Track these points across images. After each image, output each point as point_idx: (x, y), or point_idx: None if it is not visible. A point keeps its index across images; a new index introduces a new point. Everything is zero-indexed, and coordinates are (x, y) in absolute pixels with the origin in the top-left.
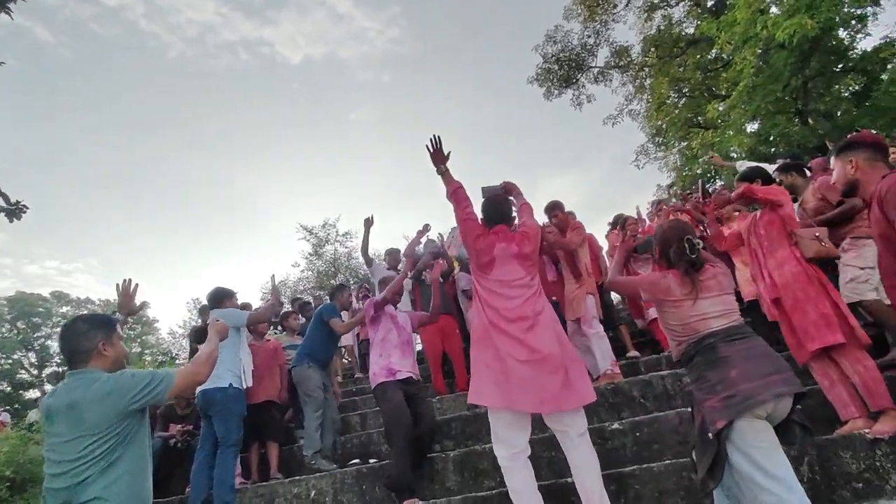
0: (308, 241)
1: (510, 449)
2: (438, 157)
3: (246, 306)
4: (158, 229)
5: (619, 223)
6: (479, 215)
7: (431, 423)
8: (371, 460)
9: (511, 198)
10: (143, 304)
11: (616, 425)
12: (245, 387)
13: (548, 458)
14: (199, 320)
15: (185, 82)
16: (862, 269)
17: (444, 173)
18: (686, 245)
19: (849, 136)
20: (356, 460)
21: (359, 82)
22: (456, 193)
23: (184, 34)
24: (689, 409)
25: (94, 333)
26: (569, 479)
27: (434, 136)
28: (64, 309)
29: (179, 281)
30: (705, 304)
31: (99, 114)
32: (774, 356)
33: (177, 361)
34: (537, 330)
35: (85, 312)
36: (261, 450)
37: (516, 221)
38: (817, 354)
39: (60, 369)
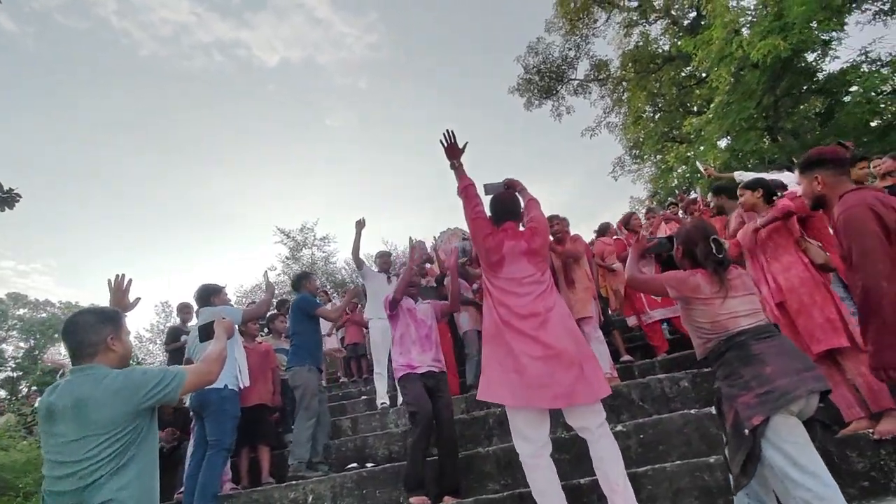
0: (285, 244)
1: (532, 445)
2: (454, 151)
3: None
4: (125, 232)
5: (624, 221)
6: (488, 213)
7: (449, 418)
8: (368, 464)
9: (517, 193)
10: (137, 301)
11: (620, 427)
12: (242, 387)
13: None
14: (179, 319)
15: (156, 82)
16: None
17: (458, 168)
18: (713, 244)
19: (811, 151)
20: (354, 464)
21: (336, 87)
22: (466, 191)
23: (157, 33)
24: (692, 411)
25: (102, 326)
26: (581, 480)
27: (448, 130)
28: (21, 311)
29: (148, 284)
30: (735, 303)
31: (64, 109)
32: (802, 354)
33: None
34: (550, 326)
35: (93, 305)
36: (251, 454)
37: (524, 218)
38: (821, 357)
39: (15, 374)
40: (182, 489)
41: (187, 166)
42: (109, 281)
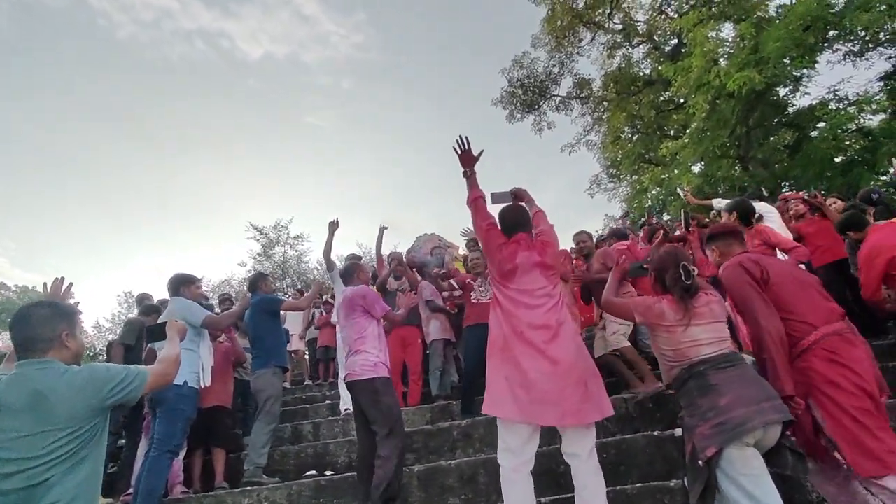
0: (258, 240)
1: (517, 459)
2: (468, 159)
3: (208, 306)
4: (93, 218)
5: (651, 233)
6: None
7: None
8: (328, 472)
9: (523, 204)
10: (75, 306)
11: None
12: (203, 386)
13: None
14: (136, 311)
15: (133, 66)
16: (621, 324)
17: (471, 177)
18: (682, 271)
19: (710, 228)
20: (312, 472)
21: (318, 86)
22: (476, 203)
23: (137, 16)
24: (655, 433)
25: (58, 322)
26: (563, 496)
27: (462, 136)
28: None
29: (111, 272)
30: (697, 331)
31: (32, 89)
32: (764, 383)
33: (99, 358)
34: (560, 340)
35: (44, 299)
36: (205, 457)
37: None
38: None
39: None
40: (130, 491)
41: (160, 154)
42: (45, 284)
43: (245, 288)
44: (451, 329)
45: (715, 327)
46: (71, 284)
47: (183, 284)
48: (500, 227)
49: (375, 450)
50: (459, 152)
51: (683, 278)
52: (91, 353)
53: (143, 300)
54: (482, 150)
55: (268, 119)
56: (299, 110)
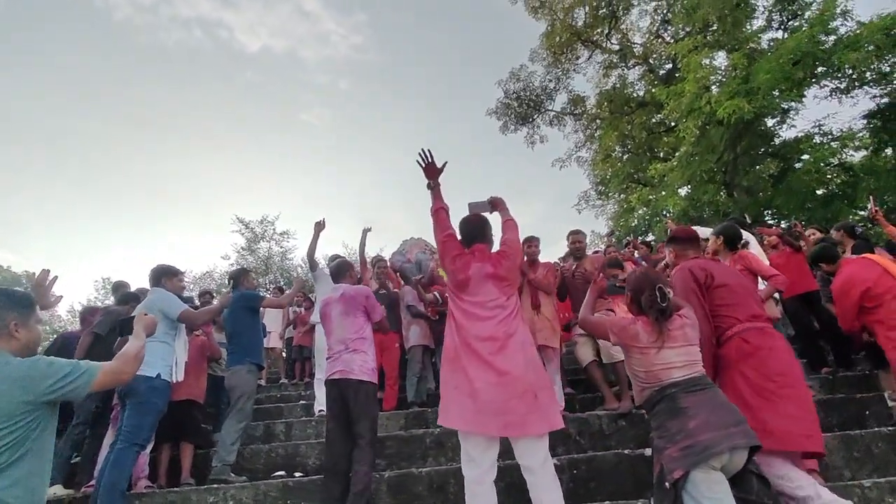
0: (243, 234)
1: (478, 468)
2: (432, 171)
3: (188, 299)
4: (73, 198)
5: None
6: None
7: None
8: (296, 474)
9: (497, 212)
10: (59, 299)
11: (554, 460)
12: (175, 381)
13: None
14: (112, 298)
15: (128, 49)
16: None
17: (435, 189)
18: (657, 293)
19: (672, 230)
20: (281, 472)
21: (315, 84)
22: (438, 214)
23: None
24: (626, 451)
25: (6, 311)
26: None
27: (424, 149)
28: None
29: (91, 256)
30: (670, 354)
31: (19, 65)
32: (732, 408)
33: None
34: (507, 351)
35: (4, 287)
36: (173, 451)
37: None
38: None
39: None
40: (91, 483)
41: (149, 140)
42: (33, 274)
43: (227, 282)
44: (431, 336)
45: (687, 350)
46: (56, 278)
47: (165, 275)
48: (458, 239)
49: (350, 453)
50: (423, 165)
51: (659, 300)
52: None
53: (119, 288)
54: (445, 163)
55: (262, 113)
56: (295, 106)
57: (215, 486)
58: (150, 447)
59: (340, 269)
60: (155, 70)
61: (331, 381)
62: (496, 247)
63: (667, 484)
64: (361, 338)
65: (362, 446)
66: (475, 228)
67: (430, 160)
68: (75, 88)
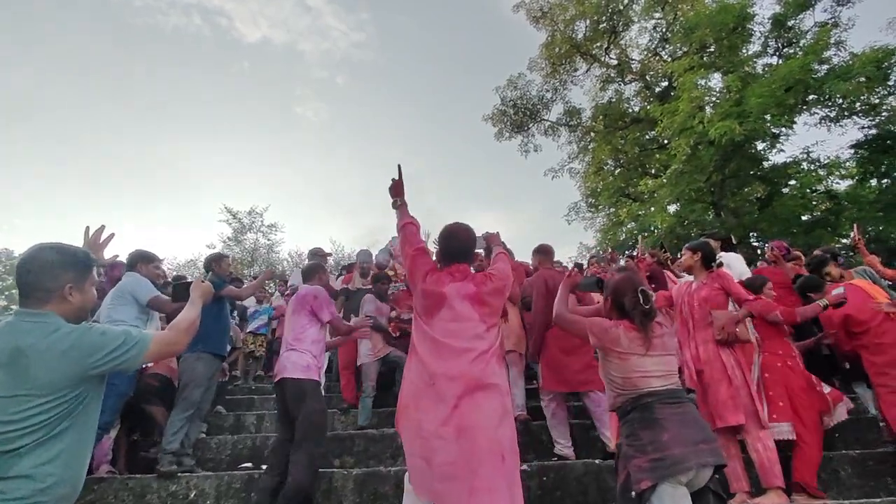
0: (230, 224)
1: None
2: (398, 188)
3: (179, 277)
4: (60, 177)
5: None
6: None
7: None
8: (263, 466)
9: (483, 241)
10: (114, 259)
11: (525, 466)
12: (144, 367)
13: None
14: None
15: (123, 30)
16: None
17: (401, 207)
18: (640, 296)
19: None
20: (248, 464)
21: (313, 78)
22: (406, 228)
23: None
24: (595, 461)
25: (62, 272)
26: None
27: (398, 166)
28: None
29: (75, 240)
30: (649, 362)
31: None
32: (704, 424)
33: None
34: (477, 395)
35: (60, 243)
36: (132, 437)
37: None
38: (724, 429)
39: None
40: None
41: (141, 123)
42: (87, 228)
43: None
44: (385, 350)
45: (666, 360)
46: (112, 235)
47: (141, 261)
48: (437, 255)
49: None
50: (393, 181)
51: (642, 302)
52: None
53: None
54: (402, 184)
55: (257, 103)
56: (290, 99)
57: (179, 474)
58: (114, 432)
59: (310, 272)
60: (150, 54)
61: (275, 383)
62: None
63: (633, 493)
64: (298, 338)
65: (296, 446)
66: (460, 244)
67: (398, 178)
68: (67, 66)
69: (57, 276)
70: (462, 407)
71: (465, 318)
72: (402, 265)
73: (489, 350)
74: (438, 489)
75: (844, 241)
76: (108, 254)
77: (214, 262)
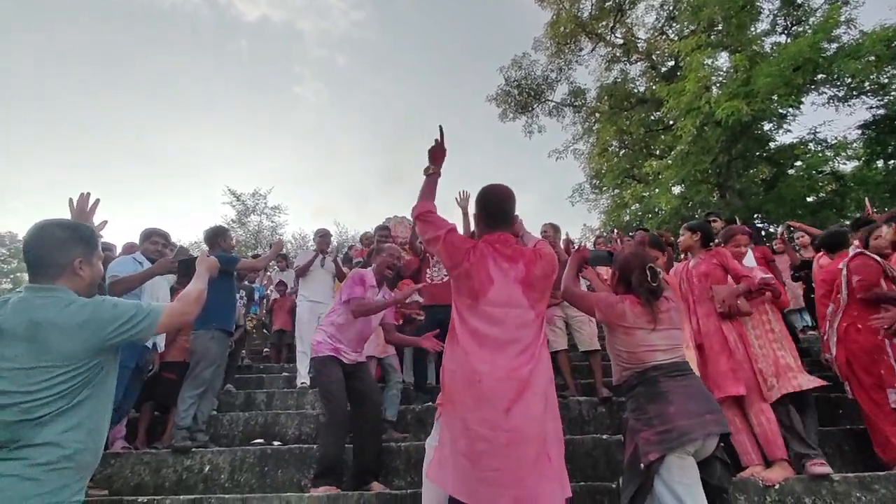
0: (234, 206)
1: None
2: (438, 154)
3: (182, 251)
4: (62, 161)
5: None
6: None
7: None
8: (275, 442)
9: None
10: (103, 224)
11: None
12: (152, 347)
13: None
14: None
15: (120, 9)
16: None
17: (431, 176)
18: (648, 272)
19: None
20: (259, 440)
21: (311, 57)
22: (427, 216)
23: None
24: (603, 437)
25: (72, 246)
26: None
27: (439, 126)
28: None
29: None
30: (655, 336)
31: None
32: (709, 395)
33: None
34: (526, 398)
35: (64, 219)
36: (154, 413)
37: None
38: (729, 402)
39: None
40: None
41: (141, 104)
42: (71, 200)
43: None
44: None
45: (671, 334)
46: (98, 201)
47: (148, 238)
48: (476, 220)
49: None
50: (435, 143)
51: (650, 279)
52: None
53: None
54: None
55: (256, 83)
56: (289, 79)
57: (194, 449)
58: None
59: (212, 238)
60: (149, 32)
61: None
62: None
63: (641, 465)
64: (326, 316)
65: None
66: (502, 205)
67: (440, 140)
68: (66, 48)
69: (67, 251)
70: (514, 411)
71: (513, 304)
72: (407, 250)
73: (535, 342)
74: (482, 493)
75: (849, 222)
76: (106, 237)
77: (220, 237)
